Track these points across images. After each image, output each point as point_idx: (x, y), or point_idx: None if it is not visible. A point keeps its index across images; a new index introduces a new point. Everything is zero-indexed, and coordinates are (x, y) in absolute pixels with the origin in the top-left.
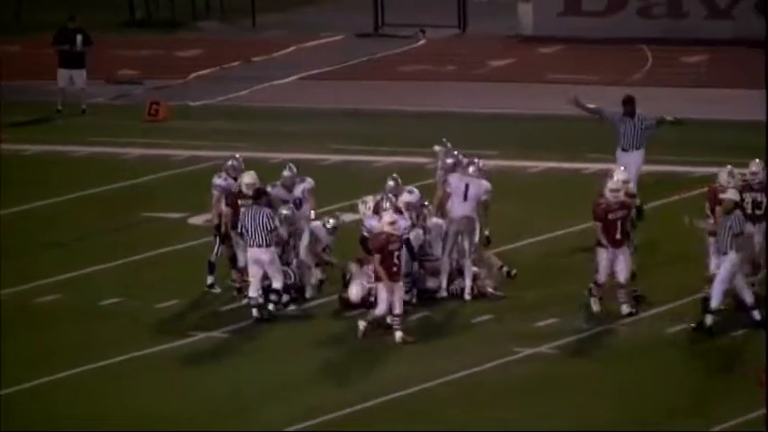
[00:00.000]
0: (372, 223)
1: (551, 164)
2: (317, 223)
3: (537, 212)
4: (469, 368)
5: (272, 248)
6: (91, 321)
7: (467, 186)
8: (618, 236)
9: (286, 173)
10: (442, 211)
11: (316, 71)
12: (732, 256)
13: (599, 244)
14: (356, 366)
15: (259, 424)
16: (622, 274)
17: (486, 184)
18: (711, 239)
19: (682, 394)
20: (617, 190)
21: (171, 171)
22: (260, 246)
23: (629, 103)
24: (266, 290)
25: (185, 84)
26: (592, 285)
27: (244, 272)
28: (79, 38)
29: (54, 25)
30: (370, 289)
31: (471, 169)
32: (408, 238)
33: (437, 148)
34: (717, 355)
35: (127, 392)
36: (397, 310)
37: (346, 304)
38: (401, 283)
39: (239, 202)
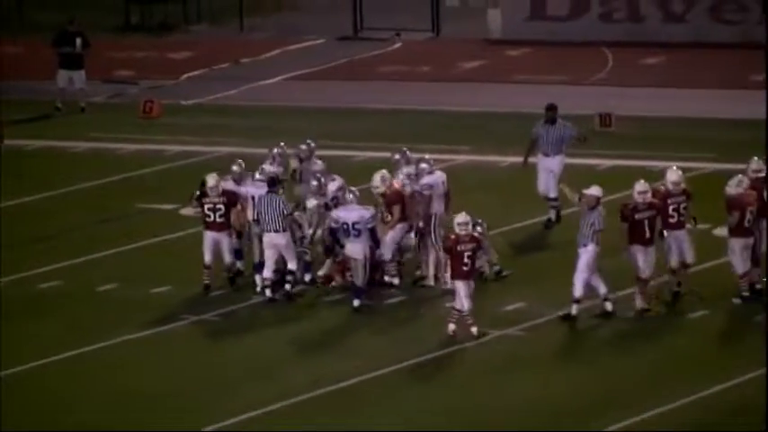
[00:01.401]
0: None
1: (519, 158)
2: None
3: (506, 204)
4: (444, 348)
5: (288, 233)
6: (89, 306)
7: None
8: (647, 235)
9: (235, 168)
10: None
11: (300, 72)
12: (591, 248)
13: (631, 242)
14: (340, 346)
15: (242, 402)
16: (646, 271)
17: (443, 175)
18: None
19: (636, 373)
20: (644, 192)
21: (164, 165)
22: (276, 231)
23: (550, 110)
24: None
25: (177, 83)
26: (636, 282)
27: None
28: (78, 40)
29: (53, 27)
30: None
31: (425, 166)
32: (374, 227)
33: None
34: (669, 337)
35: (123, 372)
36: (465, 307)
37: (327, 281)
38: (471, 282)
39: (204, 201)
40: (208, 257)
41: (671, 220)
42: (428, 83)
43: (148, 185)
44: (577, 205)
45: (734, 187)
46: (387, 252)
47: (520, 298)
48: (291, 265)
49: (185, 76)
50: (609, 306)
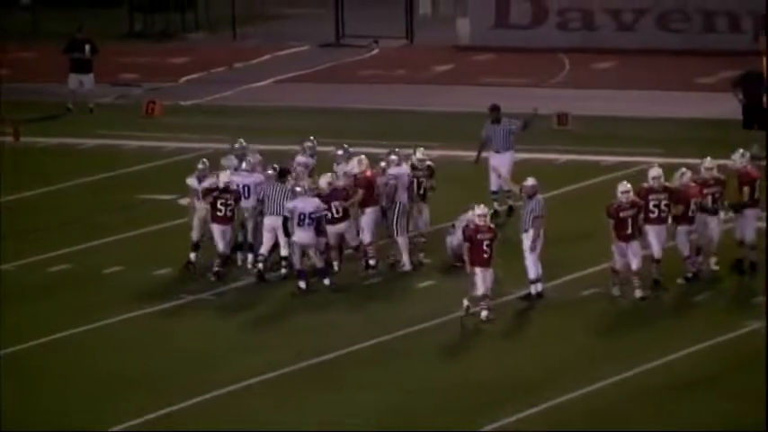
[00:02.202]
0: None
1: (485, 153)
2: None
3: (474, 196)
4: (417, 324)
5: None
6: (96, 287)
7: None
8: (629, 231)
9: (200, 166)
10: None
11: (288, 75)
12: (531, 234)
13: (616, 238)
14: (321, 323)
15: (231, 372)
16: (635, 263)
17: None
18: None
19: (594, 346)
20: (627, 191)
21: (164, 160)
22: (278, 214)
23: (494, 110)
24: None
25: (177, 86)
26: (611, 273)
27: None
28: (87, 47)
29: (65, 35)
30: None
31: (393, 158)
32: (320, 216)
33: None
34: (619, 314)
35: (127, 347)
36: (482, 291)
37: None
38: (490, 269)
39: (216, 196)
40: (221, 247)
41: (651, 216)
42: (403, 85)
43: (150, 178)
44: (519, 196)
45: (678, 180)
46: (366, 235)
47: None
48: (284, 252)
49: (184, 79)
50: (536, 288)
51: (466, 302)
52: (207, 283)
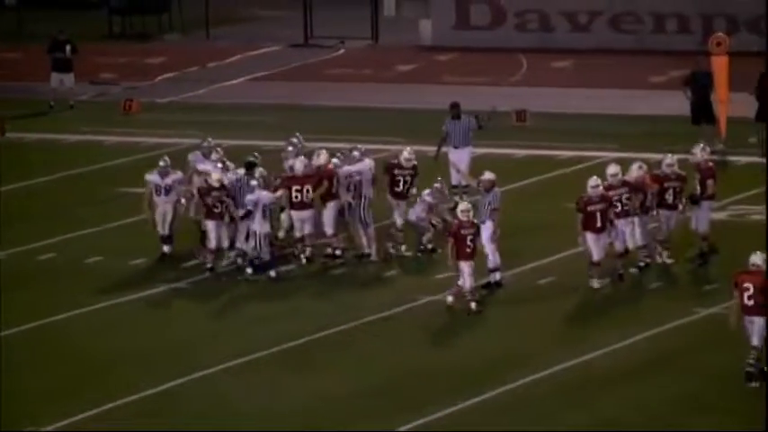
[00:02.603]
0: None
1: (445, 149)
2: None
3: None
4: (382, 311)
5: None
6: (78, 276)
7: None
8: (598, 224)
9: (161, 163)
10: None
11: (259, 74)
12: (489, 224)
13: (585, 230)
14: (293, 310)
15: (205, 357)
16: (601, 254)
17: (372, 162)
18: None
19: (553, 331)
20: (596, 186)
21: (142, 155)
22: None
23: (454, 107)
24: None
25: (153, 84)
26: (589, 266)
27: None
28: (68, 47)
29: (48, 36)
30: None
31: (356, 153)
32: (250, 210)
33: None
34: (576, 302)
35: (108, 333)
36: (467, 285)
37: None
38: (472, 262)
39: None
40: (214, 243)
41: (616, 210)
42: (368, 83)
43: (128, 172)
44: (477, 189)
45: (634, 172)
46: (329, 228)
47: (450, 268)
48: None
49: (160, 78)
50: (495, 277)
51: (450, 298)
52: (182, 272)
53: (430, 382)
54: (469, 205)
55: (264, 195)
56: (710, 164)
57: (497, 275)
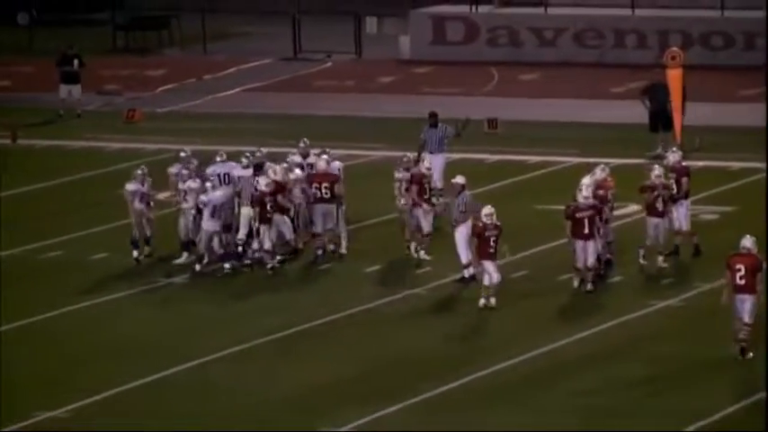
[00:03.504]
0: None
1: (424, 154)
2: None
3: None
4: (365, 304)
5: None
6: (85, 271)
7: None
8: (586, 231)
9: (138, 172)
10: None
11: (252, 85)
12: (462, 226)
13: (573, 236)
14: (274, 304)
15: (199, 347)
16: (590, 260)
17: (341, 164)
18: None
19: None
20: (587, 196)
21: (143, 160)
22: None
23: (432, 116)
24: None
25: (154, 95)
26: (573, 269)
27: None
28: (76, 61)
29: (57, 51)
30: None
31: (325, 156)
32: (216, 205)
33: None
34: (543, 294)
35: (114, 324)
36: (495, 280)
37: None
38: (497, 261)
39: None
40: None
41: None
42: (353, 94)
43: (130, 176)
44: (449, 193)
45: (598, 174)
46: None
47: (427, 263)
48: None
49: (160, 89)
50: (468, 272)
51: (482, 301)
52: (181, 268)
53: (411, 369)
54: (493, 209)
55: (215, 196)
56: (683, 163)
57: (471, 270)
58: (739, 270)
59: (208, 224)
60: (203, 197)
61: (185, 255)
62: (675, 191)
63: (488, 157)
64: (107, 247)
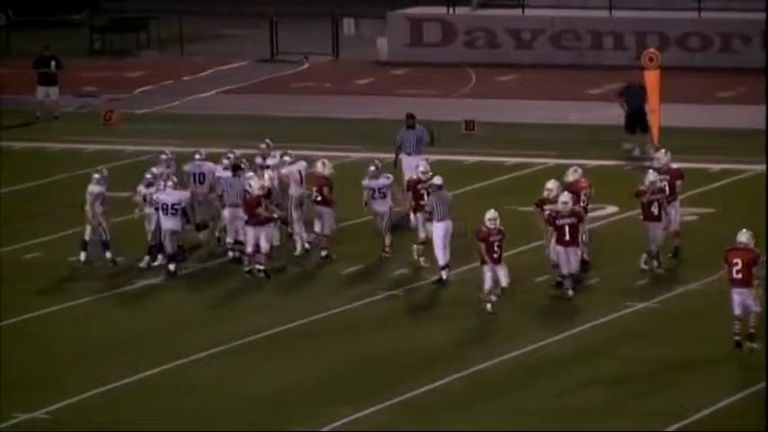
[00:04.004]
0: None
1: (400, 155)
2: None
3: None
4: (344, 305)
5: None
6: (64, 272)
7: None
8: (566, 238)
9: (96, 176)
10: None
11: (229, 87)
12: (439, 225)
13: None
14: (256, 305)
15: (180, 348)
16: (572, 267)
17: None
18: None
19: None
20: (566, 202)
21: (121, 161)
22: (238, 206)
23: (410, 118)
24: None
25: (132, 97)
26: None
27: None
28: (53, 63)
29: (34, 53)
30: None
31: (287, 158)
32: (185, 207)
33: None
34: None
35: (92, 325)
36: (504, 283)
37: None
38: (503, 264)
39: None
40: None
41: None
42: (330, 96)
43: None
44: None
45: (570, 176)
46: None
47: (405, 264)
48: (233, 237)
49: (138, 90)
50: (444, 275)
51: (489, 307)
52: (155, 270)
53: (389, 370)
54: (496, 213)
55: (167, 196)
56: (675, 166)
57: (447, 272)
58: (736, 264)
59: (165, 223)
60: (155, 196)
61: (146, 258)
62: (668, 193)
63: (466, 158)
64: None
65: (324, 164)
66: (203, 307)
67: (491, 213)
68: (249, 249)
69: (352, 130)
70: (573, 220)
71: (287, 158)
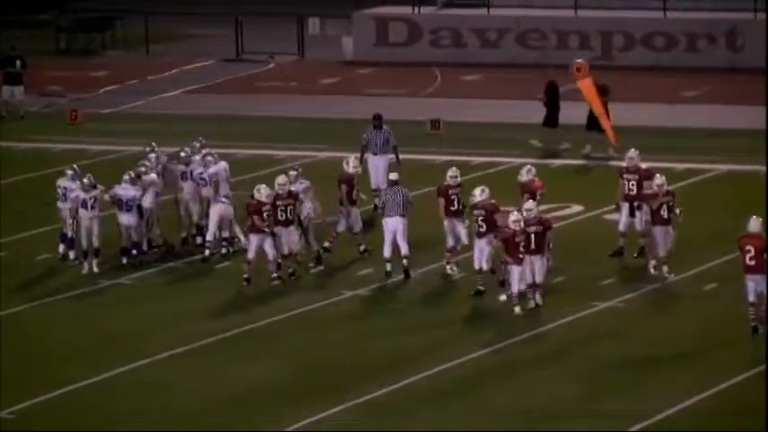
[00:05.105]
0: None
1: (366, 155)
2: None
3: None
4: (308, 305)
5: (230, 206)
6: (30, 272)
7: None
8: (533, 246)
9: (69, 172)
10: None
11: (194, 86)
12: (399, 220)
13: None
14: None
15: (147, 347)
16: (538, 276)
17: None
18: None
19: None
20: (530, 209)
21: (86, 161)
22: (224, 203)
23: (376, 118)
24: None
25: (97, 96)
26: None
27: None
28: (18, 62)
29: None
30: None
31: (210, 158)
32: (140, 205)
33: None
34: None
35: (58, 325)
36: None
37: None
38: (522, 267)
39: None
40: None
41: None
42: (295, 95)
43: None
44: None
45: (524, 176)
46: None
47: (370, 264)
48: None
49: (103, 90)
50: (389, 267)
51: (517, 310)
52: (122, 270)
53: (354, 370)
54: (519, 215)
55: (123, 191)
56: (643, 166)
57: (408, 262)
58: (749, 251)
59: (120, 218)
60: (114, 191)
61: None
62: (635, 192)
63: (432, 157)
64: (52, 248)
65: (347, 162)
66: (168, 307)
67: (515, 215)
68: (250, 256)
69: (318, 129)
70: (539, 228)
71: (210, 159)
